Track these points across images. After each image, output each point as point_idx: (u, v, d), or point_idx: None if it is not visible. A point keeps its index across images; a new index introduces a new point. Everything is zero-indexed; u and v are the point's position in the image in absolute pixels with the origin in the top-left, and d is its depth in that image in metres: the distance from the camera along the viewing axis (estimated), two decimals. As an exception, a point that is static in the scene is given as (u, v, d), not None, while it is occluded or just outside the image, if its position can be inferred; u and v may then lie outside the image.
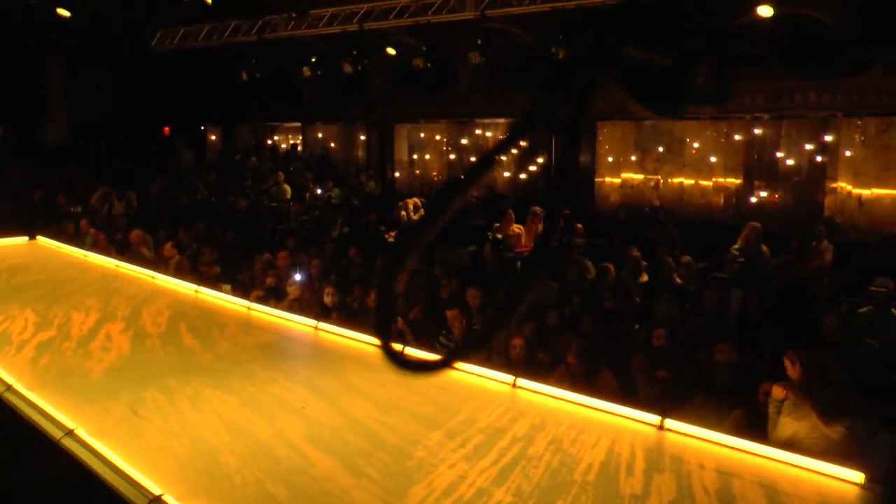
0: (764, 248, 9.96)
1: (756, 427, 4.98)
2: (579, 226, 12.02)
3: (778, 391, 5.00)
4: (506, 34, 15.18)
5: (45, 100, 21.97)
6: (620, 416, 4.61)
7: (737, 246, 9.93)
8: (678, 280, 9.10)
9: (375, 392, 5.04)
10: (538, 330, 7.12)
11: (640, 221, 12.86)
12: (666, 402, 5.50)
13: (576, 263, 9.63)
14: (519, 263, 10.89)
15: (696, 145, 14.97)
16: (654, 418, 4.48)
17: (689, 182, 14.99)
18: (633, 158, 15.85)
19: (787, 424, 4.91)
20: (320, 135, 22.46)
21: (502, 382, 5.20)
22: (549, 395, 4.94)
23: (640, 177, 15.73)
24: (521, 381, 5.13)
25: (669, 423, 4.42)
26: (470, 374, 5.34)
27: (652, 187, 15.46)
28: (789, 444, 4.62)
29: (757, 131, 14.17)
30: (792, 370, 4.95)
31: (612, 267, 9.19)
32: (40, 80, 21.78)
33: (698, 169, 14.85)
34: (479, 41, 13.96)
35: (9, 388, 5.14)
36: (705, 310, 7.95)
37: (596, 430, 4.43)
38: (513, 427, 4.48)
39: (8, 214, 14.15)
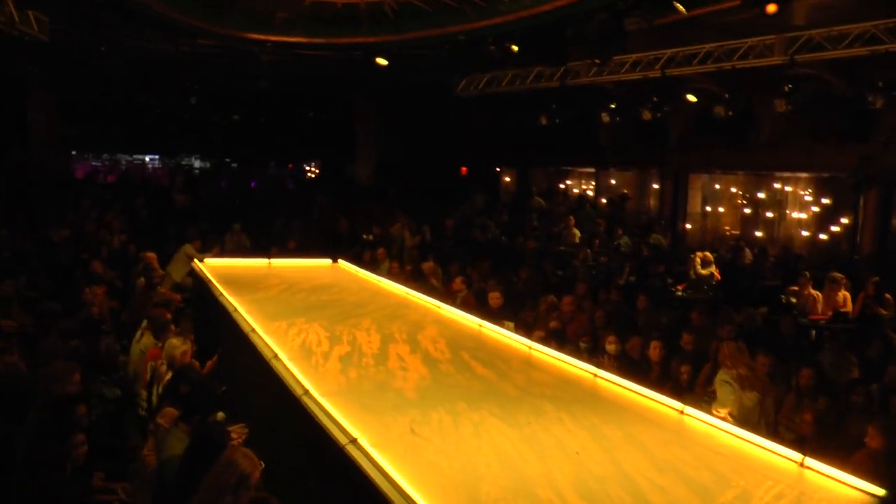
0: None
1: None
2: (888, 296, 11.05)
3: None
4: (816, 81, 14.36)
5: (355, 139, 24.08)
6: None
7: None
8: None
9: (655, 449, 4.97)
10: (833, 407, 6.66)
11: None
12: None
13: (882, 339, 8.88)
14: (814, 332, 10.22)
15: None
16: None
17: None
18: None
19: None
20: (613, 181, 22.52)
21: (788, 459, 4.92)
22: (841, 482, 4.59)
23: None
24: (811, 461, 4.82)
25: None
26: (753, 445, 5.12)
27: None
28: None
29: None
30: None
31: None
32: (351, 121, 23.95)
33: None
34: (787, 88, 13.24)
35: (306, 392, 5.55)
36: None
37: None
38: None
39: (317, 238, 15.67)
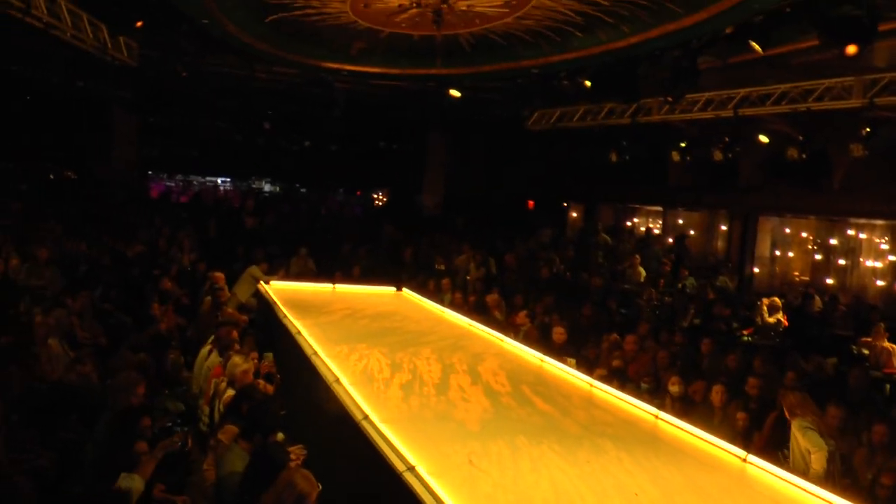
0: None
1: None
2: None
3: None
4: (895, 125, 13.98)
5: (424, 169, 24.29)
6: None
7: None
8: None
9: (716, 496, 4.86)
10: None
11: None
12: None
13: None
14: (888, 386, 9.90)
15: None
16: None
17: None
18: None
19: None
20: (681, 221, 22.23)
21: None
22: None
23: None
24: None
25: None
26: (818, 499, 4.97)
27: None
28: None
29: None
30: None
31: None
32: (422, 151, 24.16)
33: None
34: (864, 132, 12.87)
35: (366, 417, 5.61)
36: None
37: None
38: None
39: (383, 266, 15.79)
